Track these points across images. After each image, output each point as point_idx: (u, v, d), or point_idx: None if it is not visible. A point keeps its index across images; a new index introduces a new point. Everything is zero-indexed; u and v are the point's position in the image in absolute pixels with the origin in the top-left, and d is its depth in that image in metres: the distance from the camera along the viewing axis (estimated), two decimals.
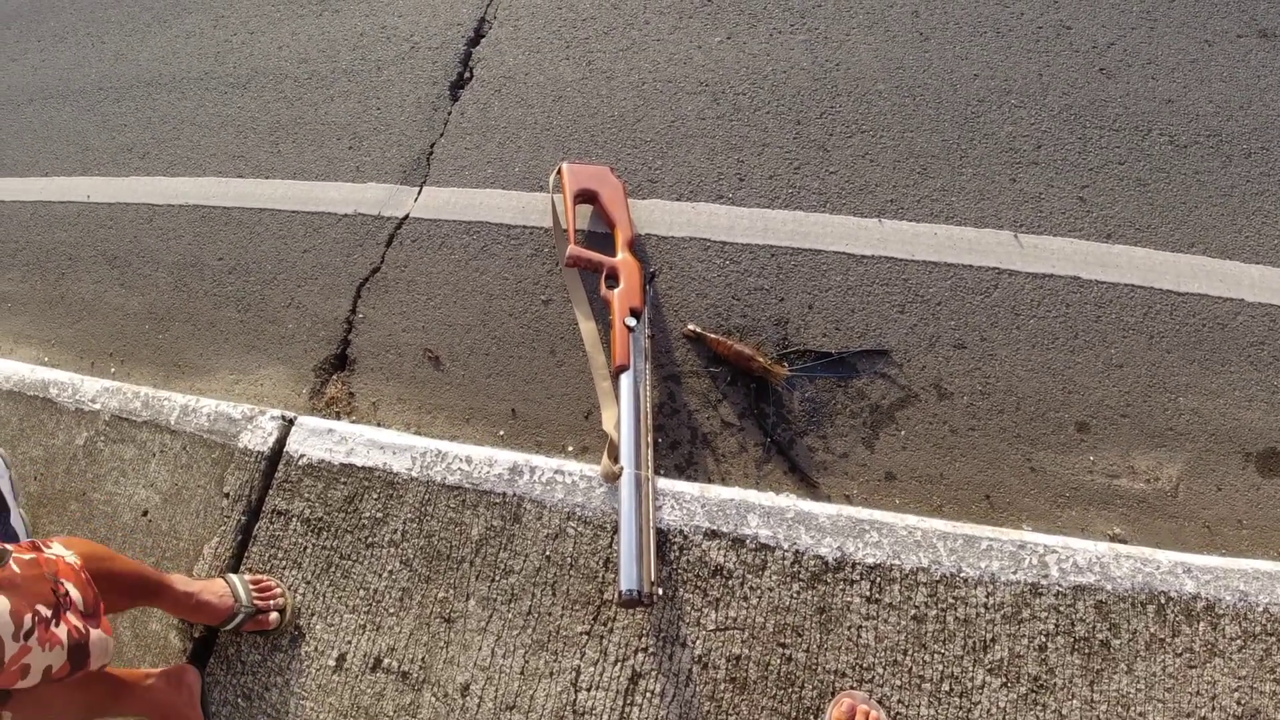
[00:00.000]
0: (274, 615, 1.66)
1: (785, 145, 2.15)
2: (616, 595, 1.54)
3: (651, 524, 1.59)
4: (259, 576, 1.70)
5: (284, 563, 1.75)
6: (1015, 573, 1.52)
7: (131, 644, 1.79)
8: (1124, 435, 1.78)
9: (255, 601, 1.64)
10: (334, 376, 2.13)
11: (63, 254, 2.63)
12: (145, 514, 1.90)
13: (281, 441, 1.87)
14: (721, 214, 2.09)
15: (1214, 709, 1.42)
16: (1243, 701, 1.42)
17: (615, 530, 1.62)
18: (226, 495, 1.84)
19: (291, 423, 1.90)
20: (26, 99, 3.09)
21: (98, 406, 2.08)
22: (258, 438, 1.88)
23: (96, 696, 1.46)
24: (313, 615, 1.69)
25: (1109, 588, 1.50)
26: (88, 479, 1.99)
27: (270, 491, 1.83)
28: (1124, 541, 1.69)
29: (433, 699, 1.58)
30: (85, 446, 2.04)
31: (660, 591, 1.54)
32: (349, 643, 1.66)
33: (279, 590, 1.70)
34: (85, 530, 1.93)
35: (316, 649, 1.67)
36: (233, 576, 1.66)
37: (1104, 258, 1.94)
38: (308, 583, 1.72)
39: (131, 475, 1.95)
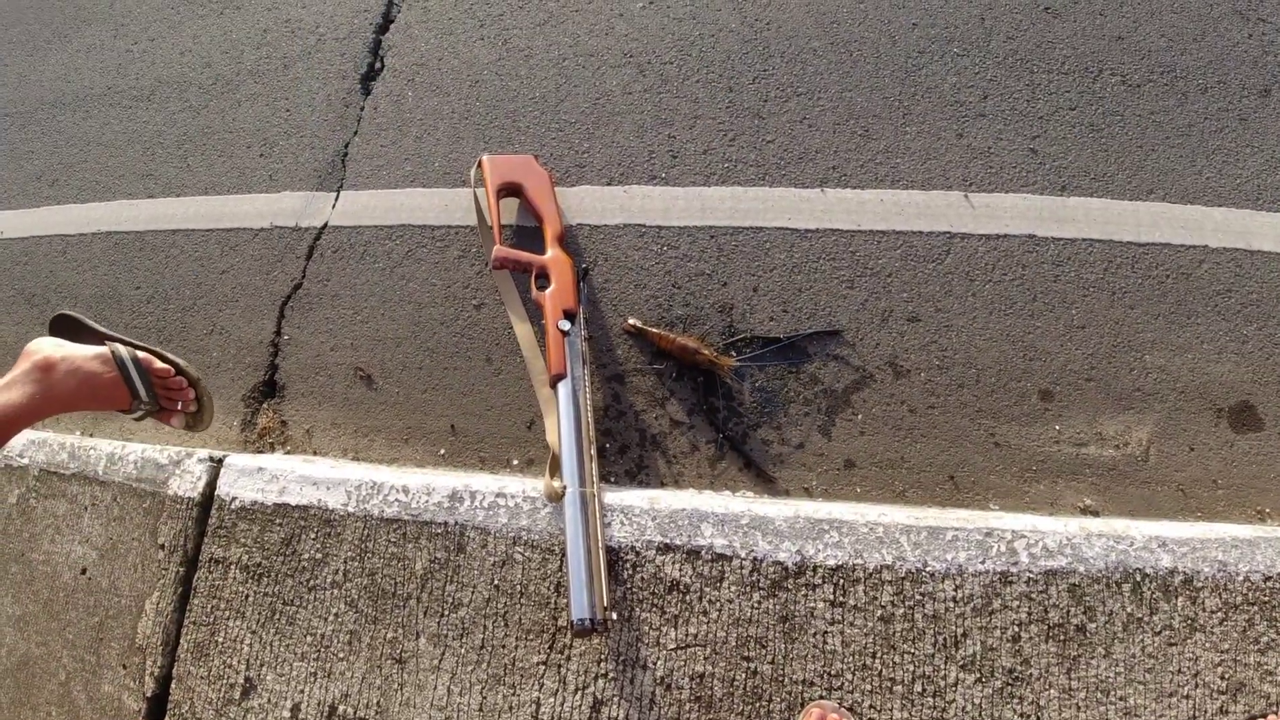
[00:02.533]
0: (177, 419, 1.49)
1: (718, 115, 2.03)
2: (569, 625, 1.46)
3: (600, 543, 1.51)
4: (165, 366, 1.47)
5: (227, 613, 1.67)
6: (983, 562, 1.46)
7: (87, 708, 1.72)
8: (1090, 400, 1.71)
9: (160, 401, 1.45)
10: (264, 405, 2.03)
11: None
12: (84, 572, 1.82)
13: (212, 485, 1.78)
14: (656, 196, 1.98)
15: (1197, 686, 1.37)
16: (1226, 676, 1.37)
17: (564, 553, 1.54)
18: (162, 547, 1.75)
19: (220, 463, 1.80)
20: None
21: (26, 461, 1.98)
22: (187, 483, 1.78)
23: None
24: (262, 666, 1.62)
25: (1082, 569, 1.44)
26: (24, 539, 1.90)
27: (205, 539, 1.74)
28: (1095, 513, 1.63)
29: None
30: (19, 504, 1.94)
31: (614, 616, 1.47)
32: (301, 692, 1.59)
33: (189, 392, 1.49)
34: (29, 594, 1.85)
35: (270, 700, 1.60)
36: (121, 349, 1.41)
37: (1059, 212, 1.84)
38: (253, 632, 1.65)
39: (66, 532, 1.86)
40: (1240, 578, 1.42)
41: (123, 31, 2.75)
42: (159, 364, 1.46)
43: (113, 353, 1.39)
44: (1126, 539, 1.47)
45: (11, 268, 2.49)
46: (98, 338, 1.46)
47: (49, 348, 1.36)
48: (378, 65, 2.34)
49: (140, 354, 1.43)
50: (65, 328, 1.47)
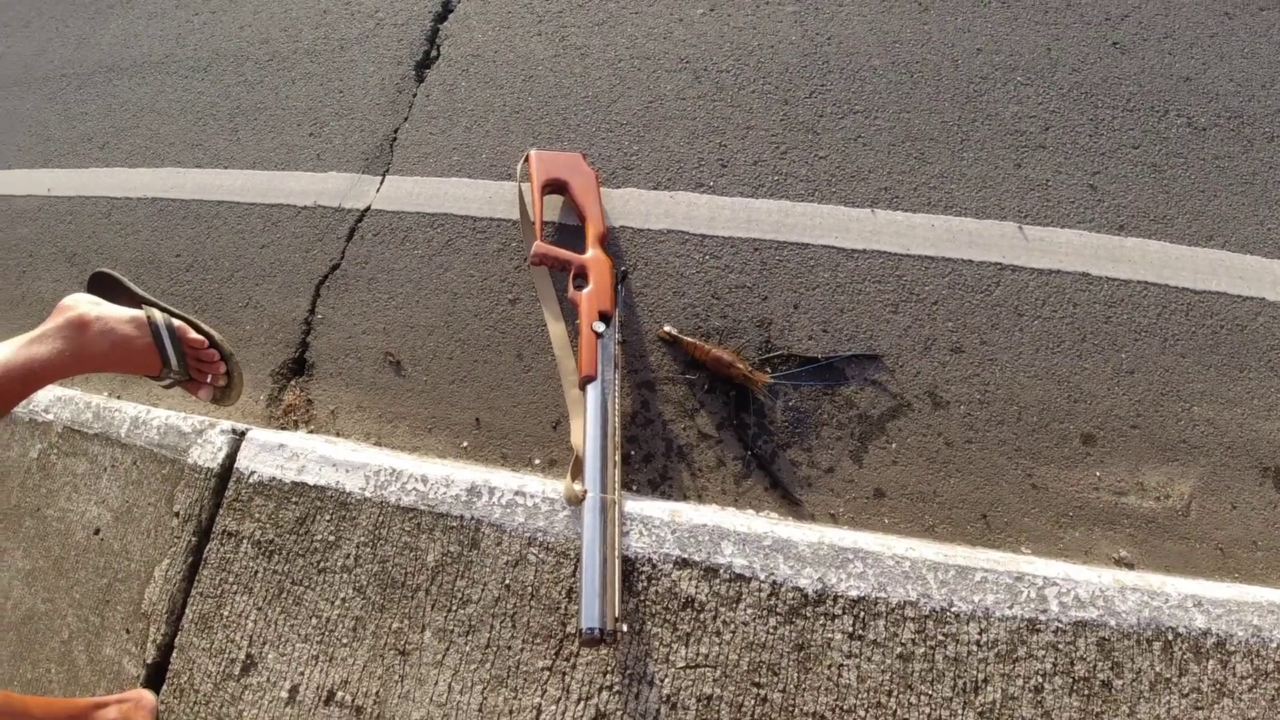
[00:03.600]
0: (205, 391, 1.47)
1: (771, 128, 1.99)
2: (578, 632, 1.43)
3: (617, 553, 1.47)
4: (199, 337, 1.45)
5: (235, 587, 1.65)
6: (1011, 607, 1.40)
7: (87, 668, 1.71)
8: (1133, 448, 1.64)
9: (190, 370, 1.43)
10: (292, 382, 2.02)
11: (24, 251, 2.52)
12: (97, 532, 1.82)
13: (232, 457, 1.77)
14: (701, 204, 1.94)
15: None
16: None
17: (579, 558, 1.51)
18: (177, 514, 1.74)
19: (242, 436, 1.79)
20: None
21: (50, 417, 1.98)
22: (207, 453, 1.77)
23: None
24: (265, 644, 1.60)
25: (1113, 623, 1.38)
26: (41, 494, 1.90)
27: (220, 511, 1.72)
28: (1130, 566, 1.57)
29: None
30: (39, 459, 1.95)
31: (625, 628, 1.43)
32: (301, 674, 1.57)
33: (220, 366, 1.47)
34: (40, 549, 1.84)
35: (269, 679, 1.58)
36: (157, 315, 1.39)
37: (1115, 252, 1.79)
38: (259, 609, 1.63)
39: (84, 491, 1.86)
40: (1274, 644, 1.36)
41: (184, 2, 2.78)
42: (193, 334, 1.45)
43: (148, 317, 1.38)
44: (1161, 595, 1.41)
45: (55, 225, 2.51)
46: (135, 300, 1.44)
47: (85, 305, 1.34)
48: (433, 53, 2.34)
49: (176, 322, 1.41)
50: (103, 286, 1.45)
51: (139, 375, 1.41)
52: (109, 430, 1.90)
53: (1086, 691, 1.35)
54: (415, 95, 2.27)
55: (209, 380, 1.48)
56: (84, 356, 1.30)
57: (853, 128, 1.96)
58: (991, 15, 2.04)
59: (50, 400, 2.02)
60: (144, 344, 1.36)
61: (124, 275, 1.48)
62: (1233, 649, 1.36)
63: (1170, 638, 1.37)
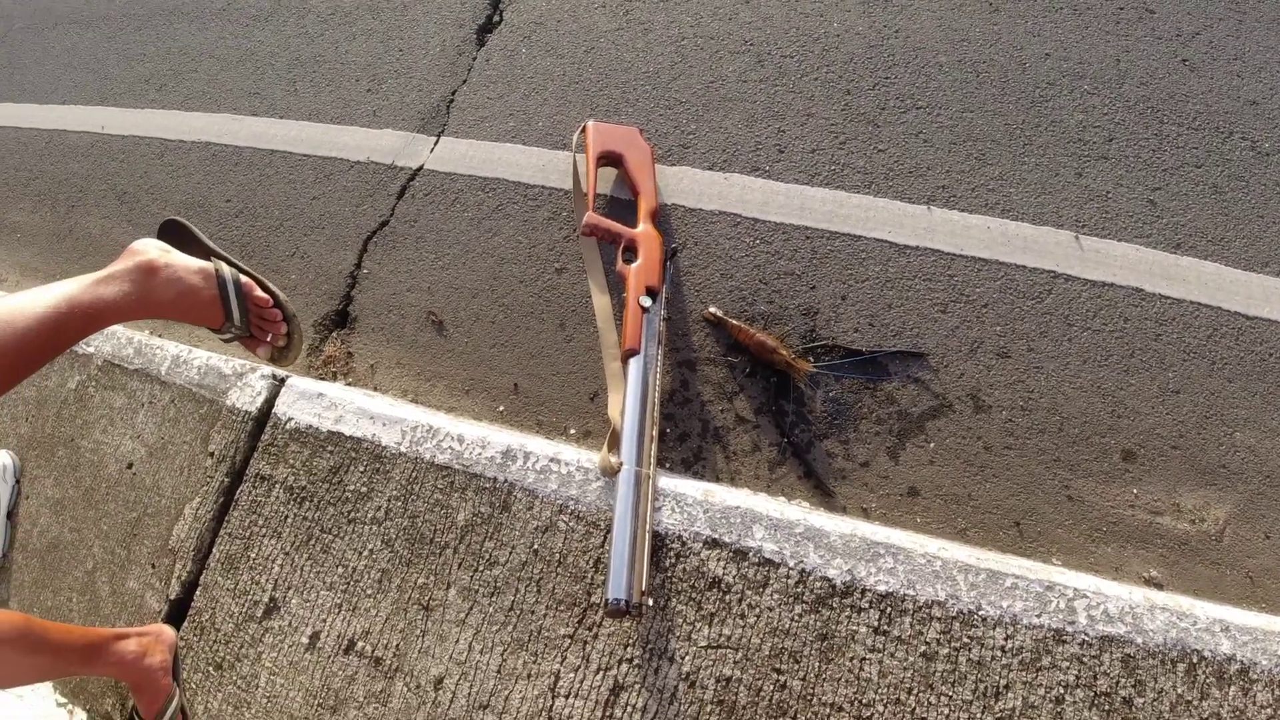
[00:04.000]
0: (263, 349, 1.46)
1: (832, 117, 1.97)
2: (603, 603, 1.43)
3: (648, 527, 1.47)
4: (264, 295, 1.44)
5: (264, 531, 1.67)
6: (1039, 616, 1.39)
7: (109, 600, 1.73)
8: (1173, 469, 1.62)
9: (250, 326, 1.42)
10: (334, 334, 2.03)
11: (74, 186, 2.54)
12: (130, 467, 1.83)
13: (270, 402, 1.78)
14: (756, 188, 1.93)
15: None
16: None
17: (609, 529, 1.51)
18: (211, 454, 1.76)
19: (282, 383, 1.80)
20: (51, 23, 3.00)
21: (91, 350, 2.00)
22: (246, 396, 1.79)
23: (63, 659, 1.39)
24: (289, 589, 1.61)
25: (1139, 641, 1.36)
26: (76, 425, 1.92)
27: (255, 454, 1.74)
28: (1159, 586, 1.55)
29: (404, 689, 1.50)
30: (77, 391, 1.97)
31: (650, 602, 1.43)
32: (324, 621, 1.58)
33: (282, 327, 1.46)
34: (71, 479, 1.87)
35: (291, 624, 1.60)
36: (225, 269, 1.38)
37: (1170, 270, 1.76)
38: (286, 554, 1.64)
39: (119, 425, 1.88)
40: None
41: None
42: (259, 292, 1.44)
43: (216, 270, 1.38)
44: (1190, 617, 1.39)
45: (107, 163, 2.53)
46: (204, 252, 1.44)
47: (154, 251, 1.34)
48: (496, 18, 2.33)
49: (243, 278, 1.41)
50: (174, 234, 1.44)
51: (201, 326, 1.41)
52: (149, 367, 1.92)
53: (1107, 707, 1.33)
54: (475, 59, 2.27)
55: (269, 339, 1.47)
56: (149, 302, 1.30)
57: (914, 123, 1.94)
58: (1063, 21, 2.00)
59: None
60: (209, 296, 1.36)
61: (195, 226, 1.47)
62: (1255, 677, 1.34)
63: (1195, 660, 1.35)
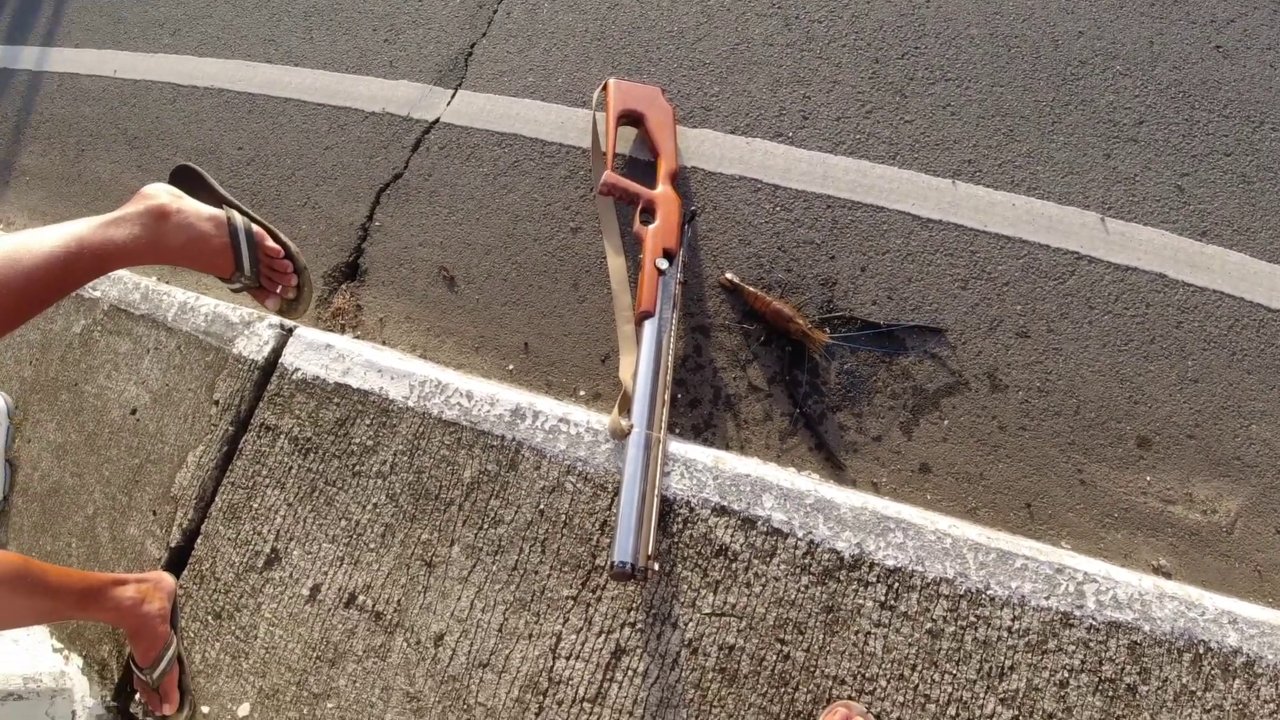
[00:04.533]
0: (272, 301, 1.44)
1: (859, 85, 1.93)
2: (609, 565, 1.41)
3: (656, 491, 1.45)
4: (275, 246, 1.41)
5: (267, 481, 1.65)
6: (1048, 598, 1.37)
7: (108, 546, 1.73)
8: (1187, 458, 1.60)
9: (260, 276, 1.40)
10: (343, 286, 2.00)
11: (85, 130, 2.51)
12: (134, 412, 1.82)
13: (277, 352, 1.76)
14: (778, 154, 1.89)
15: None
16: None
17: (616, 492, 1.49)
18: (216, 403, 1.74)
19: (290, 333, 1.78)
20: None
21: (98, 294, 1.98)
22: (253, 345, 1.77)
23: (60, 601, 1.37)
24: (291, 540, 1.60)
25: (1147, 629, 1.35)
26: (81, 369, 1.91)
27: (261, 404, 1.72)
28: (1168, 575, 1.53)
29: (404, 645, 1.49)
30: (81, 335, 1.95)
31: (656, 567, 1.41)
32: (325, 574, 1.57)
33: (293, 279, 1.43)
34: (74, 424, 1.85)
35: (292, 576, 1.59)
36: (237, 218, 1.37)
37: (1195, 258, 1.73)
38: (289, 505, 1.63)
39: (124, 370, 1.86)
40: None
41: None
42: (270, 242, 1.42)
43: (228, 218, 1.36)
44: (1198, 608, 1.38)
45: (118, 107, 2.49)
46: (216, 199, 1.41)
47: (165, 196, 1.32)
48: None
49: (255, 228, 1.39)
50: (186, 180, 1.42)
51: (210, 274, 1.40)
52: (155, 313, 1.90)
53: (1111, 693, 1.32)
54: (495, 12, 2.22)
55: (278, 291, 1.45)
56: (159, 246, 1.28)
57: (943, 95, 1.90)
58: (1098, 0, 1.96)
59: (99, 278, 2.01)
60: (220, 243, 1.34)
61: (208, 173, 1.44)
62: (1260, 671, 1.33)
63: (1201, 651, 1.34)
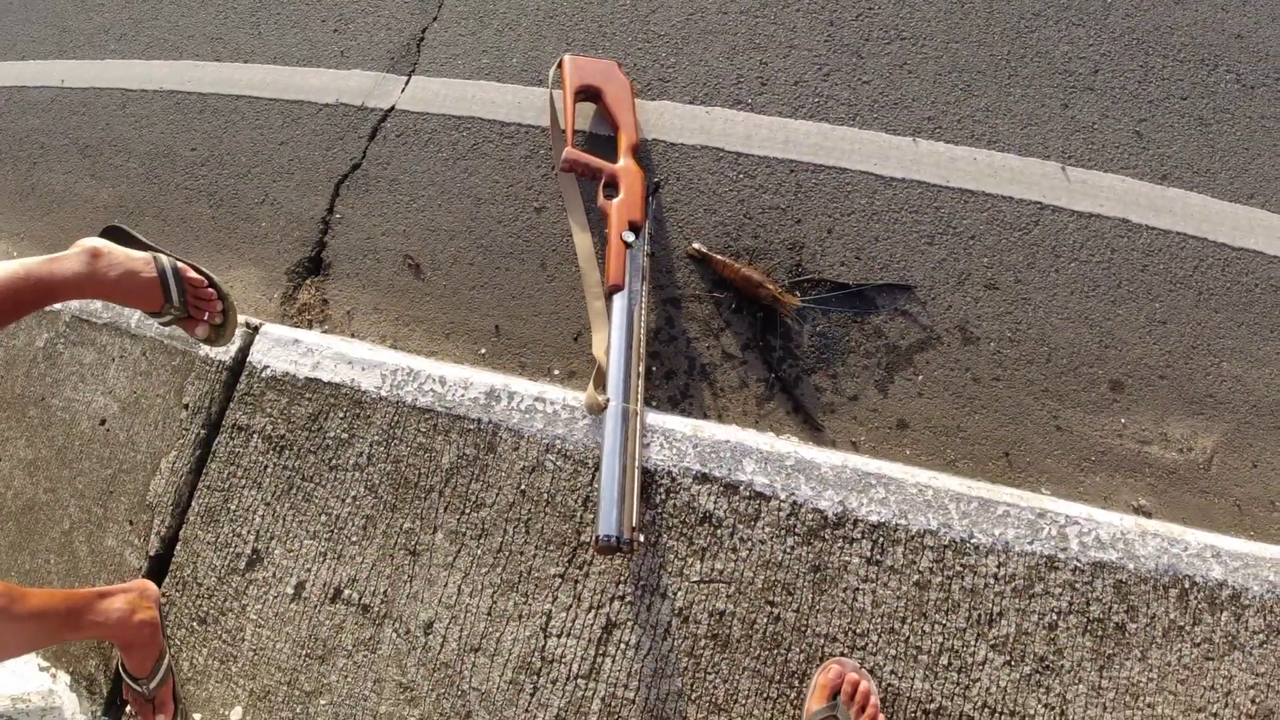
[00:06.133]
0: (201, 328, 1.54)
1: (815, 48, 1.93)
2: (594, 539, 1.41)
3: (637, 463, 1.45)
4: (199, 278, 1.54)
5: (243, 482, 1.63)
6: (1032, 543, 1.39)
7: (87, 559, 1.70)
8: (1160, 398, 1.62)
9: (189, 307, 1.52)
10: (308, 281, 1.97)
11: (35, 142, 2.45)
12: (103, 423, 1.79)
13: (245, 350, 1.73)
14: (739, 121, 1.89)
15: (1227, 705, 1.31)
16: (1258, 700, 1.31)
17: (597, 467, 1.48)
18: (186, 406, 1.71)
19: (256, 330, 1.76)
20: None
21: (59, 306, 1.94)
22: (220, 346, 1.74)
23: (48, 625, 1.36)
24: (272, 539, 1.58)
25: (1131, 567, 1.37)
26: (47, 383, 1.87)
27: (231, 404, 1.70)
28: (1148, 514, 1.55)
29: (394, 635, 1.48)
30: (45, 349, 1.91)
31: (641, 538, 1.41)
32: (308, 571, 1.55)
33: (217, 304, 1.55)
34: (43, 438, 1.81)
35: (275, 575, 1.57)
36: (163, 257, 1.50)
37: (1157, 201, 1.75)
38: (267, 504, 1.61)
39: (90, 381, 1.83)
40: None
41: None
42: (193, 274, 1.53)
43: (155, 259, 1.48)
44: (1181, 543, 1.40)
45: (69, 117, 2.44)
46: (144, 248, 1.53)
47: (101, 242, 1.46)
48: None
49: (179, 264, 1.51)
50: (115, 237, 1.54)
51: (141, 309, 1.50)
52: (118, 320, 1.86)
53: (1100, 632, 1.34)
54: None
55: (205, 318, 1.53)
56: (96, 280, 1.41)
57: (899, 54, 1.90)
58: None
59: None
60: (149, 278, 1.46)
61: (132, 228, 1.57)
62: (1247, 603, 1.35)
63: (1187, 586, 1.36)
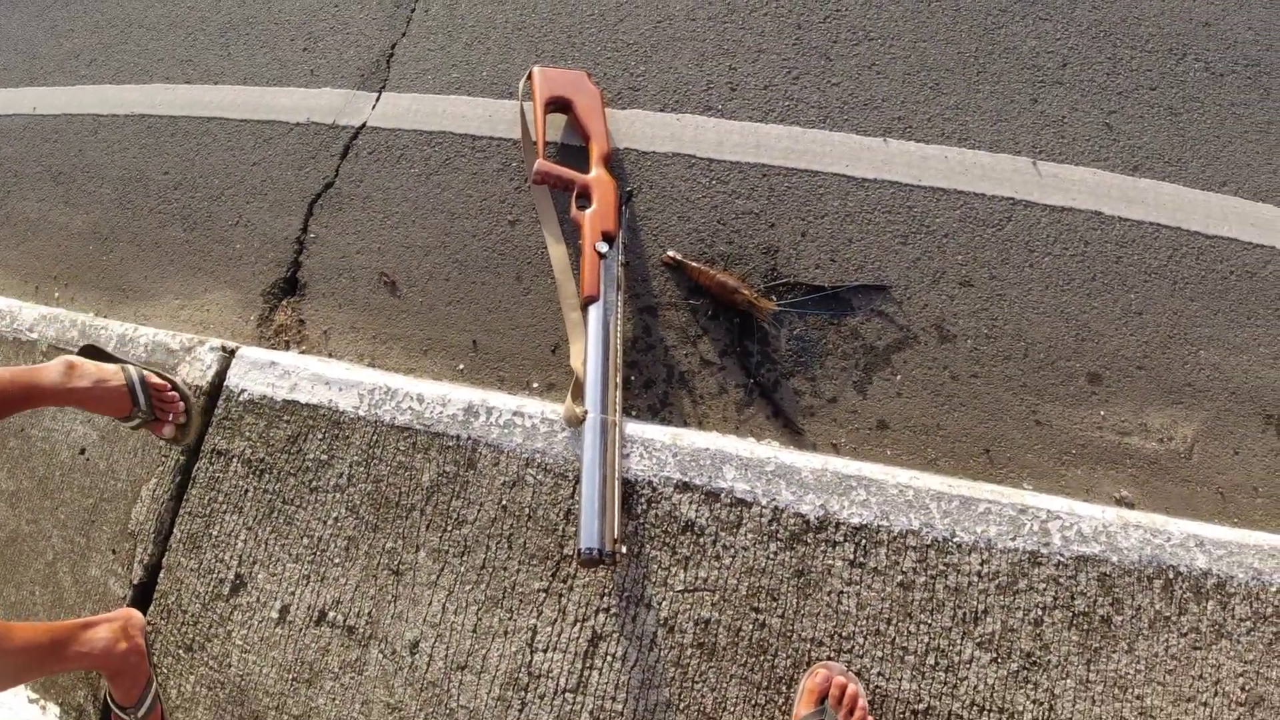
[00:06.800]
0: (168, 429, 1.65)
1: (783, 52, 1.93)
2: (576, 553, 1.40)
3: (617, 474, 1.45)
4: (162, 382, 1.66)
5: (224, 507, 1.62)
6: (1014, 539, 1.39)
7: (72, 590, 1.69)
8: (1139, 389, 1.63)
9: (155, 410, 1.64)
10: (284, 302, 1.97)
11: (8, 170, 2.44)
12: (83, 452, 1.78)
13: (221, 375, 1.73)
14: (709, 127, 1.89)
15: (1217, 694, 1.31)
16: (1247, 688, 1.31)
17: (578, 480, 1.48)
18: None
19: (232, 354, 1.75)
20: None
21: (35, 336, 1.93)
22: (197, 370, 1.73)
23: (33, 658, 1.37)
24: (255, 564, 1.58)
25: (1115, 559, 1.37)
26: (26, 414, 1.85)
27: (210, 429, 1.69)
28: (1131, 505, 1.56)
29: (380, 656, 1.48)
30: None
31: (624, 550, 1.41)
32: (292, 594, 1.55)
33: (180, 405, 1.67)
34: (24, 470, 1.81)
35: (259, 599, 1.56)
36: (130, 367, 1.63)
37: (1129, 192, 1.75)
38: (249, 529, 1.60)
39: (70, 410, 1.82)
40: (1274, 588, 1.35)
41: None
42: (156, 379, 1.65)
43: (123, 369, 1.61)
44: (1164, 534, 1.40)
45: (41, 145, 2.43)
46: (115, 362, 1.67)
47: (76, 358, 1.61)
48: None
49: (145, 372, 1.64)
50: (90, 354, 1.68)
51: (110, 415, 1.61)
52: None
53: (1086, 626, 1.34)
54: (414, 10, 2.19)
55: (170, 418, 1.65)
56: (72, 389, 1.54)
57: (867, 55, 1.90)
58: None
59: (34, 319, 1.96)
60: (118, 386, 1.58)
61: (105, 346, 1.78)
62: (1233, 591, 1.35)
63: (1171, 576, 1.36)
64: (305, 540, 1.57)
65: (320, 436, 1.62)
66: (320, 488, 1.59)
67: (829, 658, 1.36)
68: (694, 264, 1.72)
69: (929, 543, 1.40)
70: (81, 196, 2.30)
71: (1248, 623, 1.34)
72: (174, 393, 1.67)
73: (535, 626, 1.44)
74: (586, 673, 1.41)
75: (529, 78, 1.86)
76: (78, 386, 1.54)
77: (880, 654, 1.36)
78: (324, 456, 1.60)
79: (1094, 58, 1.87)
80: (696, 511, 1.45)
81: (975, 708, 1.32)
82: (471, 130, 1.99)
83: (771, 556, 1.42)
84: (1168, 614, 1.35)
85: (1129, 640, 1.34)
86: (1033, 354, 1.65)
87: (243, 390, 1.69)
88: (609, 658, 1.41)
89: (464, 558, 1.49)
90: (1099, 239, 1.72)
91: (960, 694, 1.33)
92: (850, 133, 1.84)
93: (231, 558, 1.60)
